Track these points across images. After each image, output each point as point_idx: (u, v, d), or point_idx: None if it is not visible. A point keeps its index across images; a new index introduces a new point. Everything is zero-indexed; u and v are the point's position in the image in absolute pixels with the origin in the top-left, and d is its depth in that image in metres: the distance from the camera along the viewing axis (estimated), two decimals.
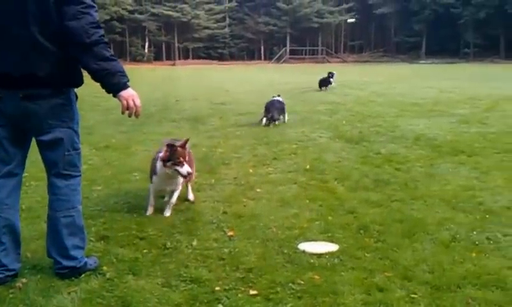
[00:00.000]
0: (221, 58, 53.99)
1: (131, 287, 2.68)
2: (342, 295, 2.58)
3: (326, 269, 2.90)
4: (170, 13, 51.46)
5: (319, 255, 3.08)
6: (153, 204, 3.93)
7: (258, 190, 4.60)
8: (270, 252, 3.15)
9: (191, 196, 4.24)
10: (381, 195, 4.39)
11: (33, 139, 2.72)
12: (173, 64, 47.60)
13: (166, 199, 4.08)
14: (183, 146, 3.70)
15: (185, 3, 52.37)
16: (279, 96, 9.43)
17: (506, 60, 44.14)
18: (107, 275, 2.79)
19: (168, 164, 3.63)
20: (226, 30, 56.35)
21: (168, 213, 3.86)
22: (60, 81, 2.58)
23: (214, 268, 2.92)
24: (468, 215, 3.83)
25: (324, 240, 3.37)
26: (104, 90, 2.63)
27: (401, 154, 6.15)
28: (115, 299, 2.56)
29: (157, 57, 53.13)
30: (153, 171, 3.87)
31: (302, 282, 2.73)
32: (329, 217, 3.80)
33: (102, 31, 2.53)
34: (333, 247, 3.21)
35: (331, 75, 16.43)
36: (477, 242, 3.29)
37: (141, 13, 50.98)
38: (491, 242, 3.31)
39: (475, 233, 3.46)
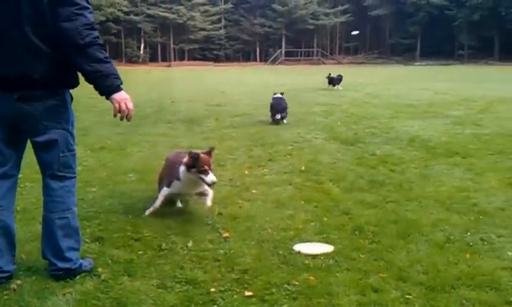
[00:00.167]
0: (216, 60, 54.02)
1: (126, 288, 2.67)
2: (337, 296, 2.59)
3: (321, 270, 2.90)
4: (166, 14, 51.46)
5: (314, 256, 3.09)
6: (158, 208, 3.82)
7: (253, 191, 4.60)
8: (265, 253, 3.16)
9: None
10: (376, 196, 4.41)
11: (28, 141, 2.72)
12: (169, 66, 47.61)
13: (179, 205, 4.00)
14: (208, 153, 3.62)
15: (181, 5, 52.40)
16: (282, 94, 9.51)
17: (500, 62, 44.46)
18: (102, 277, 2.79)
19: (192, 170, 3.53)
20: (222, 31, 56.41)
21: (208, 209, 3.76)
22: (55, 82, 2.57)
23: (210, 269, 2.92)
24: (462, 217, 3.85)
25: (319, 241, 3.38)
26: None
27: (396, 155, 6.18)
28: (110, 301, 2.55)
29: (153, 59, 53.11)
30: (172, 176, 3.71)
31: (297, 283, 2.73)
32: (325, 218, 3.81)
33: (96, 33, 2.52)
34: (328, 248, 3.22)
35: (340, 77, 17.31)
36: (471, 243, 3.31)
37: (136, 15, 50.95)
38: (485, 243, 3.32)
39: (469, 234, 3.48)
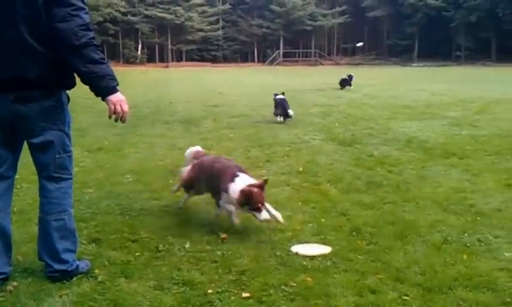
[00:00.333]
0: (214, 60, 54.01)
1: (123, 290, 2.66)
2: (335, 297, 2.59)
3: (319, 271, 2.90)
4: (163, 15, 51.41)
5: (312, 257, 3.09)
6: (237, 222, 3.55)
7: None
8: (263, 254, 3.15)
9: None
10: (373, 197, 4.41)
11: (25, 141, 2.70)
12: (166, 67, 47.58)
13: (217, 211, 3.78)
14: (261, 187, 3.43)
15: (179, 5, 52.36)
16: (283, 94, 9.63)
17: (497, 63, 44.59)
18: (99, 278, 2.78)
19: (244, 207, 3.38)
20: (220, 32, 56.40)
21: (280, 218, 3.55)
22: (50, 83, 2.56)
23: (207, 270, 2.91)
24: (459, 217, 3.85)
25: (316, 242, 3.38)
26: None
27: (393, 156, 6.18)
28: (107, 302, 2.55)
29: (150, 59, 53.07)
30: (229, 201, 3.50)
31: (295, 284, 2.73)
32: (322, 219, 3.81)
33: (92, 34, 2.51)
34: (325, 250, 3.21)
35: (350, 77, 17.45)
36: (468, 244, 3.31)
37: (134, 15, 50.87)
38: (482, 244, 3.33)
39: (466, 235, 3.48)
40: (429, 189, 4.68)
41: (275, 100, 9.65)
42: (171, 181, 4.95)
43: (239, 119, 9.78)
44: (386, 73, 31.65)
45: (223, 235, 3.44)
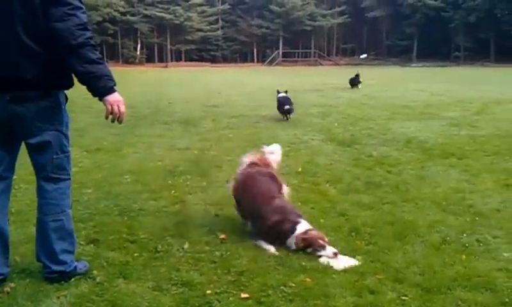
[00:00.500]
0: (213, 60, 53.97)
1: (122, 291, 2.66)
2: (334, 298, 2.58)
3: (318, 272, 2.90)
4: (163, 15, 51.36)
5: (311, 258, 3.08)
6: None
7: None
8: (261, 255, 3.14)
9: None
10: (372, 197, 4.41)
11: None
12: (166, 67, 47.52)
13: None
14: (316, 230, 3.31)
15: (178, 5, 52.31)
16: (286, 92, 9.68)
17: (496, 63, 44.62)
18: (98, 279, 2.77)
19: (308, 250, 3.21)
20: (219, 32, 56.36)
21: None
22: (47, 83, 2.55)
23: (206, 271, 2.91)
24: (458, 218, 3.85)
25: None
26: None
27: (393, 157, 6.18)
28: (105, 303, 2.54)
29: (149, 59, 53.01)
30: (275, 238, 3.33)
31: (293, 285, 2.73)
32: (321, 220, 3.80)
33: (89, 33, 2.50)
34: (353, 262, 3.15)
35: (357, 76, 17.74)
36: (467, 244, 3.31)
37: (133, 15, 50.81)
38: (481, 244, 3.33)
39: (465, 235, 3.48)
40: (428, 189, 4.68)
41: (278, 98, 9.69)
42: (169, 181, 4.95)
43: (238, 120, 9.77)
44: (385, 73, 31.64)
45: (222, 236, 3.44)
